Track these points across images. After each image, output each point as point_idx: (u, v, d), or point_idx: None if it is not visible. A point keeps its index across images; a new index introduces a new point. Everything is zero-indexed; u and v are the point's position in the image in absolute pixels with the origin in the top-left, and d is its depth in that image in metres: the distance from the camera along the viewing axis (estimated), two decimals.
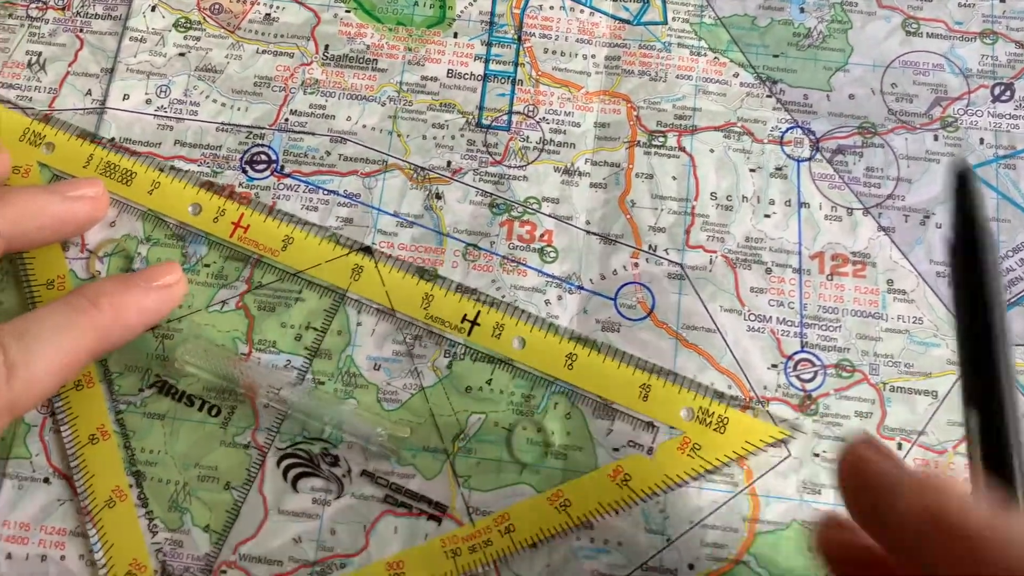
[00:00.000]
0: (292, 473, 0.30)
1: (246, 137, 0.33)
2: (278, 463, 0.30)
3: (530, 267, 0.31)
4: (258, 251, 0.31)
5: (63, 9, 0.35)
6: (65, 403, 0.30)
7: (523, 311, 0.31)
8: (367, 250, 0.31)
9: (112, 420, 0.30)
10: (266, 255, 0.31)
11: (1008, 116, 0.33)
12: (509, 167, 0.33)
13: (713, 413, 0.29)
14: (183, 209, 0.32)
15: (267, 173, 0.33)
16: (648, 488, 0.29)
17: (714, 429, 0.29)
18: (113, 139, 0.33)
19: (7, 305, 0.31)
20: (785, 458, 0.30)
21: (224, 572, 0.29)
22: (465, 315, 0.31)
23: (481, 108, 0.33)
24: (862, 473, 0.21)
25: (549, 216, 0.32)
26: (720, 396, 0.30)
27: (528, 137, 0.33)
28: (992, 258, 0.22)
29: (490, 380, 0.30)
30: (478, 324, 0.30)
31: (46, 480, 0.30)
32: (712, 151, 0.33)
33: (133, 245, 0.32)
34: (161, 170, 0.32)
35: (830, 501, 0.29)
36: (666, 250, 0.32)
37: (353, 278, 0.31)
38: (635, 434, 0.30)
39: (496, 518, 0.29)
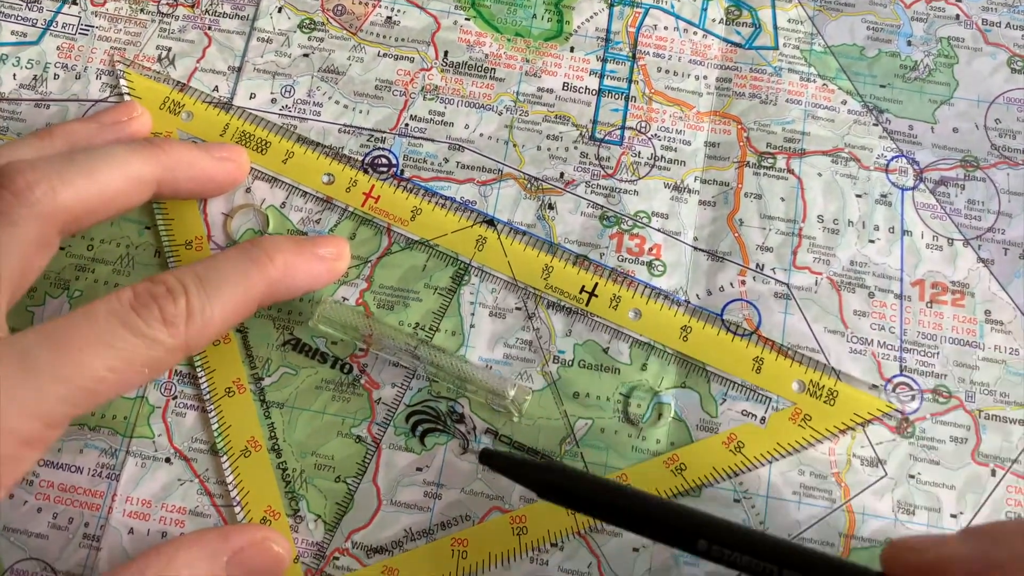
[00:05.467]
0: (420, 429, 0.31)
1: (367, 140, 0.34)
2: (407, 419, 0.31)
3: (639, 280, 0.32)
4: (388, 220, 0.33)
5: (192, 7, 0.36)
6: (202, 358, 0.32)
7: (640, 284, 0.32)
8: (490, 222, 0.33)
9: (248, 376, 0.31)
10: (396, 224, 0.33)
11: None
12: (620, 181, 0.34)
13: (823, 386, 0.31)
14: (317, 179, 0.33)
15: (388, 176, 0.34)
16: (760, 455, 0.30)
17: (824, 401, 0.31)
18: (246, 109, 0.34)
19: (142, 259, 0.32)
20: (881, 478, 0.31)
21: (337, 559, 0.30)
22: (583, 286, 0.32)
23: (595, 122, 0.34)
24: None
25: (658, 231, 0.33)
26: (833, 371, 0.31)
27: (640, 152, 0.34)
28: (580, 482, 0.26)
29: (597, 387, 0.31)
30: (596, 295, 0.32)
31: (167, 460, 0.31)
32: (820, 175, 0.34)
33: (272, 212, 0.33)
34: (295, 141, 0.34)
35: (924, 522, 0.30)
36: (773, 269, 0.33)
37: (477, 248, 0.32)
38: (748, 405, 0.31)
39: (617, 476, 0.30)
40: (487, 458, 0.27)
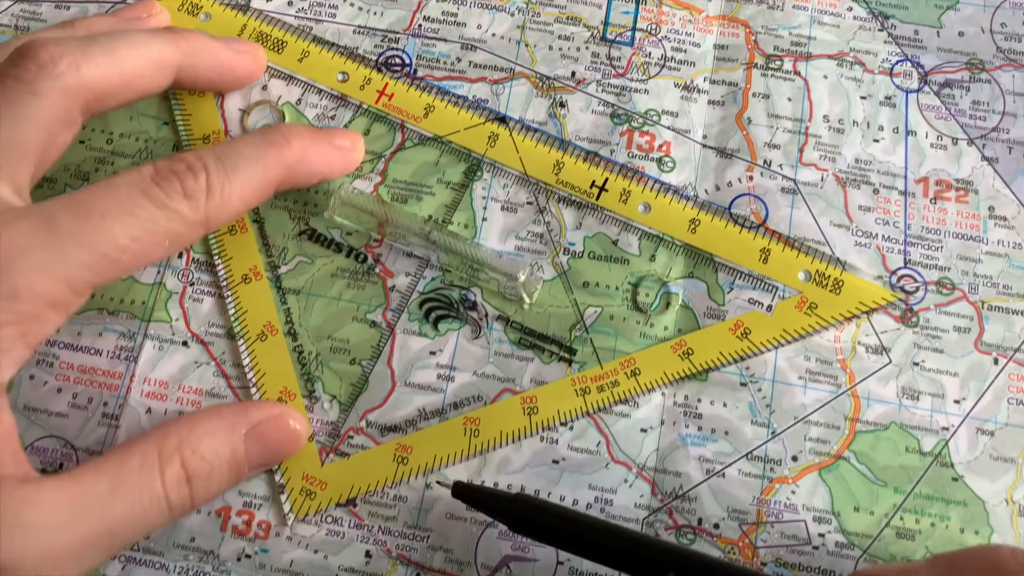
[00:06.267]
0: (433, 315, 0.32)
1: (381, 40, 0.35)
2: (420, 305, 0.32)
3: (648, 175, 0.33)
4: (402, 117, 0.33)
5: None
6: (219, 245, 0.32)
7: (650, 179, 0.32)
8: (502, 120, 0.33)
9: (264, 264, 0.32)
10: (409, 121, 0.33)
11: None
12: (631, 80, 0.34)
13: (829, 276, 0.31)
14: (331, 77, 0.34)
15: (401, 75, 0.34)
16: (766, 341, 0.31)
17: (830, 290, 0.31)
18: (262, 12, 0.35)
19: (160, 152, 0.33)
20: (886, 365, 0.31)
21: (351, 437, 0.31)
22: (594, 181, 0.32)
23: (606, 23, 0.35)
24: None
25: (668, 128, 0.34)
26: (838, 261, 0.32)
27: (650, 53, 0.35)
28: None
29: (607, 277, 0.32)
30: (606, 190, 0.32)
31: (184, 344, 0.31)
32: (826, 77, 0.34)
33: (288, 108, 0.34)
34: (311, 41, 0.35)
35: (928, 407, 0.31)
36: (780, 165, 0.33)
37: (489, 144, 0.33)
38: (755, 293, 0.31)
39: (623, 361, 0.31)
40: (460, 491, 0.28)
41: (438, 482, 0.30)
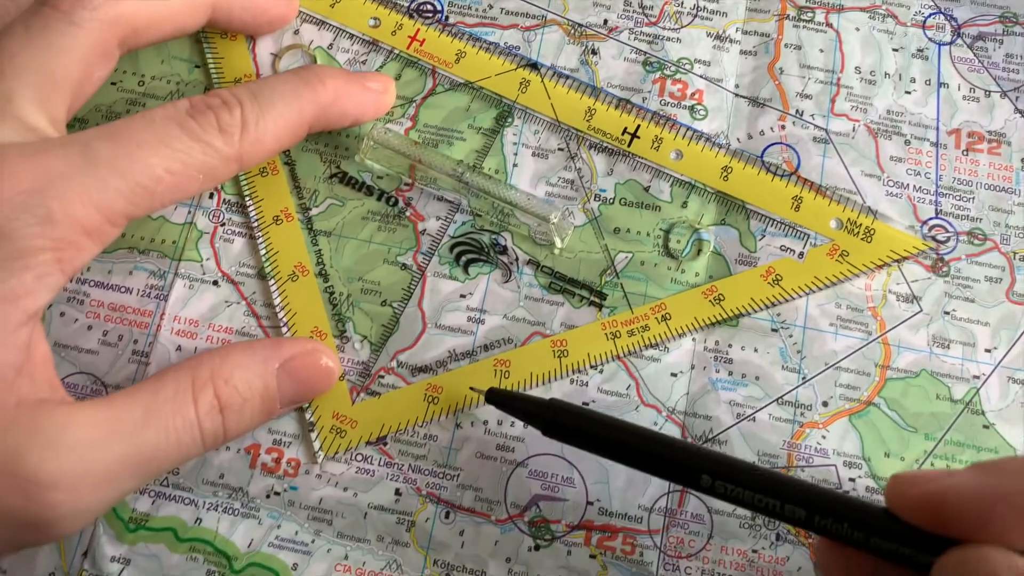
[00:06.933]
0: (464, 259, 0.32)
1: None
2: (451, 249, 0.32)
3: (680, 123, 0.33)
4: (433, 62, 0.33)
5: None
6: (251, 187, 0.32)
7: (682, 126, 0.32)
8: (534, 66, 0.33)
9: (295, 205, 0.32)
10: (440, 66, 0.33)
11: None
12: (663, 29, 0.34)
13: (861, 224, 0.31)
14: (363, 22, 0.34)
15: (433, 22, 0.34)
16: (798, 287, 0.31)
17: (861, 238, 0.31)
18: None
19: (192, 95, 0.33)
20: (916, 313, 0.31)
21: (382, 377, 0.31)
22: (625, 128, 0.32)
23: None
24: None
25: (700, 77, 0.34)
26: (869, 210, 0.32)
27: (682, 3, 0.35)
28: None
29: (638, 223, 0.32)
30: (638, 136, 0.32)
31: (215, 283, 0.31)
32: (857, 29, 0.34)
33: (319, 53, 0.34)
34: None
35: (959, 355, 0.31)
36: (812, 115, 0.33)
37: (521, 90, 0.33)
38: (786, 241, 0.31)
39: (653, 306, 0.31)
40: (494, 396, 0.28)
41: (471, 388, 0.29)
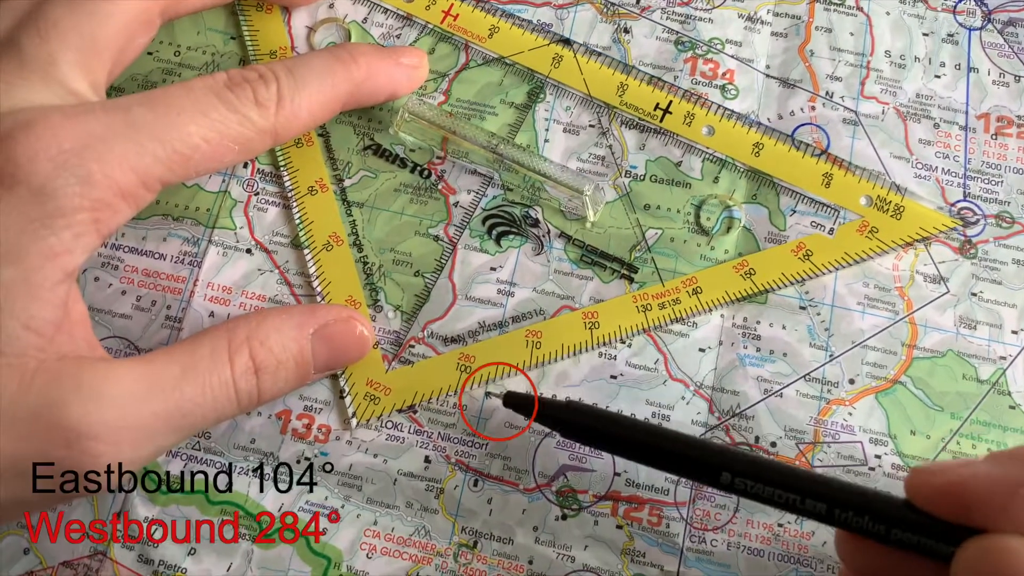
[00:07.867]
0: (495, 231, 0.32)
1: None
2: (483, 222, 0.32)
3: (712, 101, 0.33)
4: (466, 37, 0.34)
5: None
6: (286, 157, 0.32)
7: (713, 103, 0.33)
8: (566, 41, 0.33)
9: (330, 176, 0.32)
10: (474, 41, 0.34)
11: None
12: (696, 9, 0.35)
13: (891, 201, 0.32)
14: None
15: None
16: (828, 263, 0.31)
17: (891, 215, 0.31)
18: None
19: (227, 66, 0.33)
20: (944, 294, 0.31)
21: (413, 346, 0.31)
22: (658, 103, 0.33)
23: None
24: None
25: (732, 57, 0.34)
26: (899, 188, 0.32)
27: None
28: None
29: (668, 199, 0.32)
30: (670, 112, 0.32)
31: (248, 251, 0.32)
32: (888, 14, 0.34)
33: (354, 27, 0.34)
34: None
35: (985, 336, 0.31)
36: (842, 97, 0.33)
37: (553, 66, 0.33)
38: (817, 217, 0.32)
39: (684, 280, 0.31)
40: (511, 400, 0.28)
41: (489, 392, 0.30)
